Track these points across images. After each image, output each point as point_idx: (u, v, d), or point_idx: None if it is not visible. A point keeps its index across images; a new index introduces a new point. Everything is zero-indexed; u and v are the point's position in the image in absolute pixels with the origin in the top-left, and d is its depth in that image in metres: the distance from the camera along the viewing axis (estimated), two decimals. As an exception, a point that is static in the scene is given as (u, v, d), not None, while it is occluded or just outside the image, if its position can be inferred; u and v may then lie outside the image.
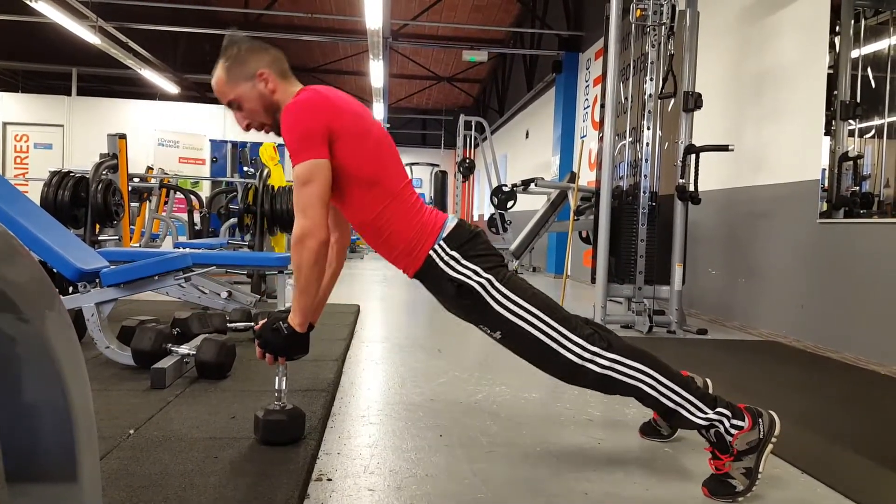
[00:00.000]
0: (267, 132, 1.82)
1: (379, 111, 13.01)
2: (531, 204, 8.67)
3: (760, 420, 1.59)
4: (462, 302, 1.68)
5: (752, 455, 1.56)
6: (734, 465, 1.57)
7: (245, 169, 10.79)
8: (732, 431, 1.58)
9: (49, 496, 0.68)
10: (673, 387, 1.62)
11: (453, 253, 1.67)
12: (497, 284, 1.65)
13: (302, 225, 1.58)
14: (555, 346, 1.62)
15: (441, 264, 1.67)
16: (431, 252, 1.68)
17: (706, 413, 1.60)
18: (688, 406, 1.61)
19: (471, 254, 1.68)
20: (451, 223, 1.72)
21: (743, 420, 1.59)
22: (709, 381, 1.92)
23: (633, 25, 4.19)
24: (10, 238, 0.61)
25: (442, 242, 1.68)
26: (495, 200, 9.13)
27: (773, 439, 1.58)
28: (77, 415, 0.68)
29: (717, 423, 1.60)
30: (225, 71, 1.73)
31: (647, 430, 2.02)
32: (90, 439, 0.71)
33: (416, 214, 1.71)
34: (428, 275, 1.71)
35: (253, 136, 11.95)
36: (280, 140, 1.74)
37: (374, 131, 1.72)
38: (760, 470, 1.56)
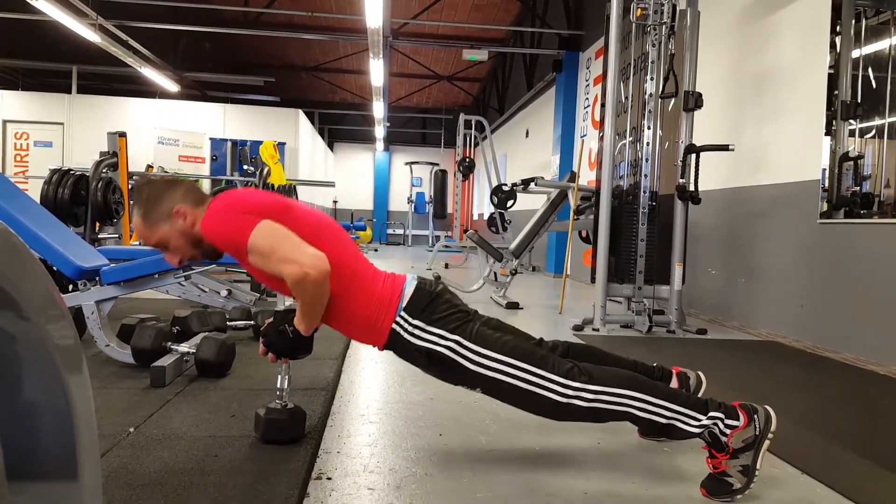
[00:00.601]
0: (200, 260, 1.80)
1: (379, 110, 13.02)
2: (531, 203, 8.66)
3: (756, 417, 1.58)
4: (436, 368, 1.67)
5: (749, 452, 1.56)
6: (731, 463, 1.56)
7: (245, 167, 10.79)
8: (727, 431, 1.58)
9: (50, 494, 0.68)
10: (662, 403, 1.60)
11: (416, 322, 1.64)
12: (466, 343, 1.62)
13: (295, 270, 1.51)
14: (537, 390, 1.60)
15: (406, 336, 1.65)
16: (394, 325, 1.65)
17: (700, 420, 1.59)
18: (681, 418, 1.60)
19: (433, 318, 1.65)
20: (410, 289, 1.68)
21: (738, 419, 1.58)
22: (701, 374, 1.92)
23: (634, 25, 4.19)
24: (11, 236, 0.61)
25: (403, 313, 1.65)
26: (495, 200, 9.13)
27: (770, 435, 1.57)
28: (78, 413, 0.68)
29: (711, 426, 1.59)
30: (141, 217, 1.70)
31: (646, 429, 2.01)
32: (91, 438, 0.71)
33: (371, 286, 1.67)
34: (396, 347, 1.69)
35: (253, 134, 11.92)
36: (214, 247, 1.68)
37: (299, 209, 1.68)
38: (758, 467, 1.56)
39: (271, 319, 1.74)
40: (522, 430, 2.08)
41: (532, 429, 2.09)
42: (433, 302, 1.67)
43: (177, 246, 1.70)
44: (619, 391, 1.61)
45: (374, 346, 1.73)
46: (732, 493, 1.55)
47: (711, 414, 1.59)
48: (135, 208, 1.72)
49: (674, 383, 1.89)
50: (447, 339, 1.63)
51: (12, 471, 0.65)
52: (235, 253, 1.62)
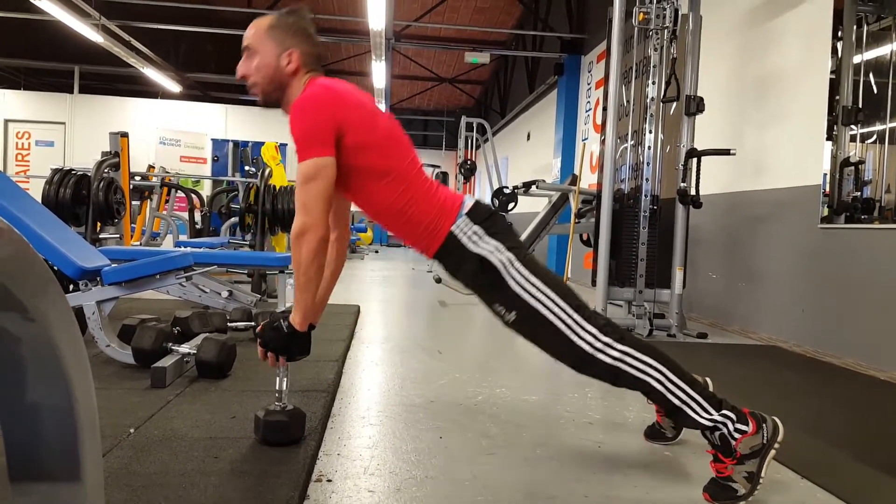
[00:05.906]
0: (257, 97, 1.82)
1: (380, 112, 13.02)
2: (532, 206, 8.66)
3: (764, 425, 1.59)
4: (482, 278, 1.68)
5: (755, 459, 1.56)
6: (736, 469, 1.56)
7: (246, 168, 10.78)
8: (736, 435, 1.57)
9: (52, 495, 0.68)
10: (680, 384, 1.61)
11: (476, 228, 1.68)
12: (517, 264, 1.65)
13: (302, 221, 1.60)
14: (569, 332, 1.62)
15: (464, 239, 1.67)
16: (454, 228, 1.68)
17: (711, 414, 1.60)
18: (693, 405, 1.60)
19: (492, 230, 1.68)
20: (471, 201, 1.73)
21: (747, 424, 1.58)
22: (708, 379, 1.92)
23: (636, 28, 4.19)
24: (17, 236, 0.61)
25: (465, 217, 1.69)
26: (496, 202, 9.12)
27: (777, 445, 1.57)
28: (81, 414, 0.68)
29: (721, 426, 1.59)
30: (269, 26, 1.77)
31: (652, 433, 2.02)
32: (93, 439, 0.71)
33: (434, 194, 1.72)
34: (449, 252, 1.71)
35: (255, 135, 11.93)
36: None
37: (382, 122, 1.73)
38: (762, 475, 1.56)
39: (266, 320, 1.76)
40: (523, 432, 2.08)
41: (532, 431, 2.09)
42: (493, 216, 1.72)
43: (259, 66, 1.76)
44: (644, 358, 1.62)
45: (423, 253, 1.76)
46: (736, 499, 1.55)
47: (724, 412, 1.59)
48: (274, 14, 1.79)
49: None
50: (502, 252, 1.66)
51: (15, 472, 0.65)
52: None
